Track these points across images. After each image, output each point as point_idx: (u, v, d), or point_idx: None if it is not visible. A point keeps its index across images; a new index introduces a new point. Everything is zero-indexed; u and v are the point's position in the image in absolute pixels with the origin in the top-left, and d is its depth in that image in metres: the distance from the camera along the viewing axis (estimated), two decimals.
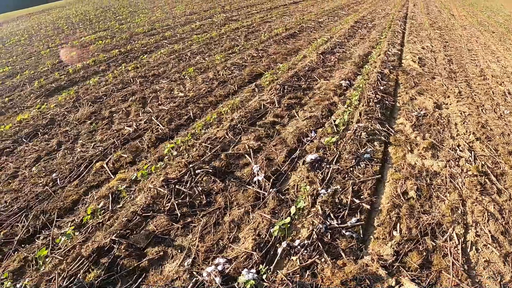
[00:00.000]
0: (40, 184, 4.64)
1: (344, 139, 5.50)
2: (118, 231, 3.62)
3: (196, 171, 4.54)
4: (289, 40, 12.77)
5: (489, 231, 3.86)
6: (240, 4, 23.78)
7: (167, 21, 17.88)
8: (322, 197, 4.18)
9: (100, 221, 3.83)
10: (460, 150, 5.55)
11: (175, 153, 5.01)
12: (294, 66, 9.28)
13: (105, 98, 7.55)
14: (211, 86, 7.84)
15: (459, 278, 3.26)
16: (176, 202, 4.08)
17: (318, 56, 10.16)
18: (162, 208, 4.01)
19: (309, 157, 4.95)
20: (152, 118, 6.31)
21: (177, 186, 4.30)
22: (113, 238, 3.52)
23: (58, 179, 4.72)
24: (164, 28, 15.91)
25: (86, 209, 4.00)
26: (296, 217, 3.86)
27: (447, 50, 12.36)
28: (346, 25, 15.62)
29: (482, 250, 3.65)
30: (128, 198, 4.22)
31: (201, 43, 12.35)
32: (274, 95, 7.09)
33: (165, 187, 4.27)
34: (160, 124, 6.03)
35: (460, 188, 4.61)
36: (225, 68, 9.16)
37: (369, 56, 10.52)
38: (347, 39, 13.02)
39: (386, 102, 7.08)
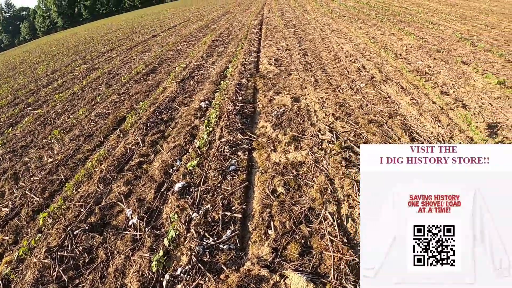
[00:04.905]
0: None
1: (208, 158, 5.90)
2: None
3: (75, 232, 4.83)
4: (149, 76, 13.21)
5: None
6: (101, 51, 23.62)
7: (29, 85, 17.22)
8: (194, 220, 4.44)
9: None
10: (321, 134, 5.98)
11: (50, 221, 5.25)
12: (155, 101, 9.73)
13: None
14: (78, 143, 8.02)
15: (341, 252, 3.54)
16: (61, 268, 4.25)
17: (178, 84, 10.68)
18: (50, 279, 4.17)
19: (177, 186, 5.27)
20: (26, 191, 6.43)
21: (59, 253, 4.51)
22: None
23: None
24: (28, 94, 15.36)
25: None
26: (172, 248, 4.08)
27: (302, 44, 13.37)
28: (204, 46, 16.34)
29: (358, 219, 3.93)
30: (18, 279, 4.35)
31: (65, 101, 12.28)
32: (138, 136, 7.49)
33: (49, 257, 4.46)
34: (34, 196, 6.19)
35: (326, 169, 4.96)
36: (90, 121, 9.35)
37: (227, 71, 11.15)
38: (205, 60, 13.73)
39: (246, 110, 7.65)
